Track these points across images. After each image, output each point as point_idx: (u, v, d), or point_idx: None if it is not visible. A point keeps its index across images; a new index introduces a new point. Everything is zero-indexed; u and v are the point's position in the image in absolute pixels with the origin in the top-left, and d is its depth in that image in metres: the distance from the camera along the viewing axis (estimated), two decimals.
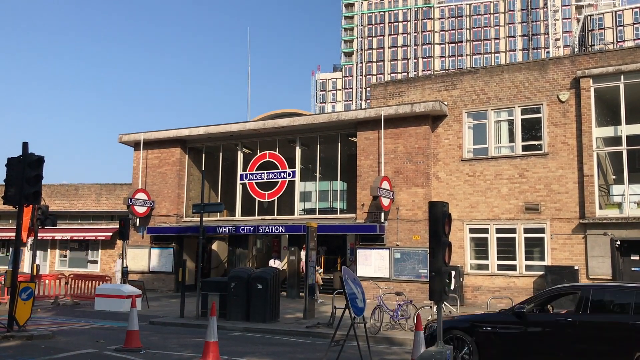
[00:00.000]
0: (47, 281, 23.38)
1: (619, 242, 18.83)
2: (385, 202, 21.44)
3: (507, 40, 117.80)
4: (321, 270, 24.55)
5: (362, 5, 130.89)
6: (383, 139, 22.63)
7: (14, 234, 14.17)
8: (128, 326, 11.58)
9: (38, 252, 27.56)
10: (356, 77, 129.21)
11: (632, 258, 18.89)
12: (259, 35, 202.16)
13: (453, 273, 17.22)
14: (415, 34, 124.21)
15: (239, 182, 26.83)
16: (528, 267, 20.32)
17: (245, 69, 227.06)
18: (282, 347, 12.56)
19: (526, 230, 20.49)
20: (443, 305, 10.22)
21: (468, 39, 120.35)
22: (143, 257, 27.23)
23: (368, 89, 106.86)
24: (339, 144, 24.80)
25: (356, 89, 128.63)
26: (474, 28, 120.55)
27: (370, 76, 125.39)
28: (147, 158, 28.23)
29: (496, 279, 20.67)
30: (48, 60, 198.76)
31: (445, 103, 22.24)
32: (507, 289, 20.06)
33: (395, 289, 18.15)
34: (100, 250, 31.63)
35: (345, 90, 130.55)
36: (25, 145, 13.38)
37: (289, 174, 25.55)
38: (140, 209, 26.93)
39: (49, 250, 32.77)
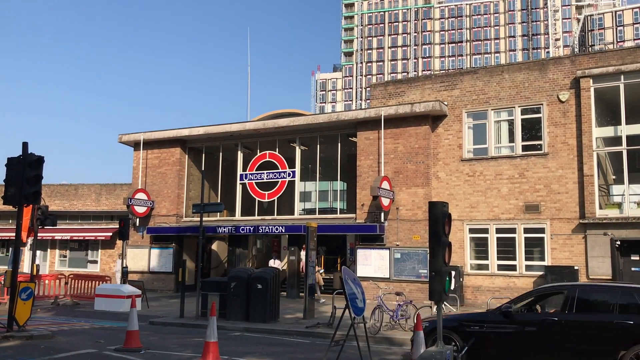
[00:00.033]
0: (47, 281, 23.38)
1: (619, 242, 18.82)
2: (385, 202, 21.43)
3: (507, 40, 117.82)
4: (322, 271, 24.51)
5: (362, 5, 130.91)
6: (383, 139, 22.62)
7: (14, 234, 14.16)
8: (128, 326, 11.57)
9: (38, 252, 27.54)
10: (356, 77, 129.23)
11: (632, 258, 18.89)
12: (259, 35, 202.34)
13: (453, 273, 17.24)
14: (415, 34, 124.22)
15: (238, 182, 26.83)
16: (528, 267, 20.32)
17: (245, 68, 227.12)
18: (282, 347, 12.56)
19: (526, 230, 20.48)
20: (443, 306, 10.22)
21: (468, 39, 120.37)
22: (143, 257, 27.22)
23: (368, 89, 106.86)
24: (339, 144, 24.79)
25: (356, 89, 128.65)
26: (474, 28, 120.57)
27: (370, 76, 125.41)
28: (147, 158, 28.23)
29: (496, 279, 20.66)
30: (48, 60, 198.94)
31: (445, 103, 22.24)
32: (507, 289, 20.05)
33: (395, 289, 18.14)
34: (100, 250, 31.63)
35: (345, 90, 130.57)
36: (25, 145, 13.38)
37: (289, 174, 25.55)
38: (140, 209, 26.92)
39: (48, 250, 32.77)
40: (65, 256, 32.68)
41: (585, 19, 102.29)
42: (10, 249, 31.75)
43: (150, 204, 27.34)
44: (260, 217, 26.07)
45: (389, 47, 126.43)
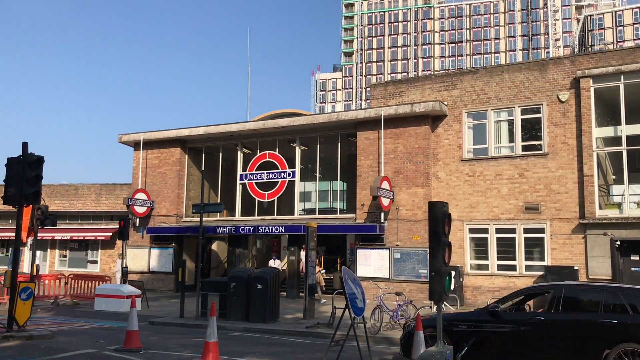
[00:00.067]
0: (46, 281, 23.38)
1: (618, 242, 18.82)
2: (385, 202, 21.43)
3: (507, 41, 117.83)
4: (324, 271, 24.49)
5: (362, 5, 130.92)
6: (383, 139, 22.62)
7: (14, 234, 14.15)
8: (128, 326, 11.57)
9: (38, 252, 27.53)
10: (356, 77, 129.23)
11: (632, 258, 18.89)
12: (259, 35, 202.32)
13: (453, 273, 17.22)
14: (415, 34, 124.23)
15: (238, 182, 26.83)
16: (528, 267, 20.32)
17: (245, 68, 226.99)
18: (282, 347, 12.56)
19: (526, 231, 20.48)
20: (443, 306, 10.23)
21: (468, 39, 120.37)
22: (143, 257, 27.22)
23: (368, 89, 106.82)
24: (339, 144, 24.79)
25: (356, 89, 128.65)
26: (474, 28, 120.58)
27: (370, 76, 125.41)
28: (147, 158, 28.23)
29: (496, 279, 20.66)
30: (48, 59, 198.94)
31: (445, 103, 22.24)
32: (507, 289, 19.98)
33: (395, 289, 18.14)
34: (100, 250, 31.63)
35: (345, 90, 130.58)
36: (25, 145, 13.38)
37: (289, 174, 25.55)
38: (140, 209, 26.92)
39: (48, 250, 32.77)
40: (65, 256, 32.67)
41: (585, 19, 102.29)
42: (10, 249, 31.74)
43: (150, 204, 27.34)
44: (260, 217, 26.06)
45: (389, 47, 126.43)
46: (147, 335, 13.29)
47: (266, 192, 26.03)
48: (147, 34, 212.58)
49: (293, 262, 24.00)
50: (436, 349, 8.22)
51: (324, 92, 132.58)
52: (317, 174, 27.60)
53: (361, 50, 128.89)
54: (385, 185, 21.49)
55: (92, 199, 33.07)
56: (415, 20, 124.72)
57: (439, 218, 8.30)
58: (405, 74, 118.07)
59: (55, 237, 31.56)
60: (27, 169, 13.14)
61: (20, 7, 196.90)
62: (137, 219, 27.11)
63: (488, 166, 21.36)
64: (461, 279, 20.75)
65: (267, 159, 26.30)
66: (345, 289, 10.09)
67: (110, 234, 29.85)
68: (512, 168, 20.94)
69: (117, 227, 22.31)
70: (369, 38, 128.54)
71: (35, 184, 13.26)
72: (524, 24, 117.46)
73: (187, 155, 28.03)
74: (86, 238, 30.99)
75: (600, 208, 19.49)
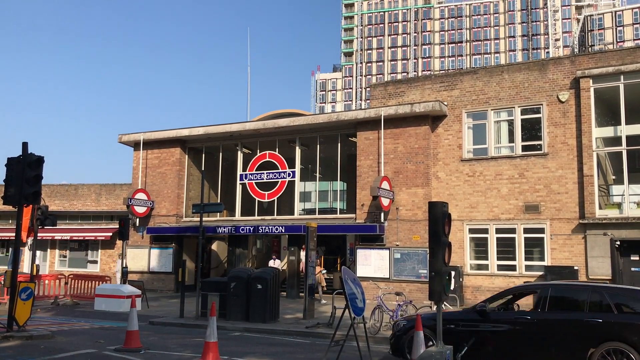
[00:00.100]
0: (46, 281, 23.38)
1: (618, 242, 18.83)
2: (385, 202, 21.44)
3: (507, 41, 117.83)
4: (325, 271, 24.49)
5: (362, 5, 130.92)
6: (383, 139, 22.63)
7: (14, 234, 14.16)
8: (128, 326, 11.57)
9: (38, 252, 27.53)
10: (356, 77, 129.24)
11: (632, 258, 18.90)
12: (259, 35, 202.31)
13: (453, 273, 17.23)
14: (415, 34, 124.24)
15: (238, 182, 26.83)
16: (528, 267, 20.32)
17: (245, 68, 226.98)
18: (282, 347, 12.57)
19: (526, 231, 20.49)
20: (442, 306, 10.23)
21: (468, 39, 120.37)
22: (143, 257, 27.23)
23: (368, 89, 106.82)
24: (339, 144, 24.80)
25: (356, 89, 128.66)
26: (474, 28, 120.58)
27: (370, 76, 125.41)
28: (146, 158, 28.23)
29: (496, 279, 20.66)
30: (48, 60, 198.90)
31: (445, 103, 22.24)
32: None
33: (395, 289, 18.14)
34: (100, 251, 31.63)
35: (345, 90, 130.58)
36: (25, 145, 13.38)
37: (289, 174, 25.55)
38: (140, 209, 26.92)
39: (48, 250, 32.77)
40: (65, 256, 32.67)
41: (585, 19, 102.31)
42: (10, 249, 31.73)
43: (150, 204, 27.34)
44: (260, 217, 26.07)
45: (389, 47, 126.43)
46: (147, 335, 13.29)
47: (266, 192, 26.04)
48: (147, 34, 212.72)
49: (293, 262, 24.01)
50: (436, 349, 8.22)
51: (324, 92, 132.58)
52: (317, 174, 27.61)
53: (361, 50, 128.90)
54: (385, 185, 21.49)
55: (92, 199, 33.07)
56: (415, 20, 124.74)
57: (439, 218, 8.30)
58: (405, 74, 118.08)
59: (55, 237, 31.57)
60: (27, 169, 13.14)
61: (20, 7, 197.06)
62: (137, 219, 27.11)
63: (488, 166, 21.36)
64: (461, 279, 20.76)
65: (267, 159, 26.31)
66: (345, 289, 10.09)
67: (110, 234, 29.85)
68: (512, 168, 20.94)
69: (117, 227, 22.31)
70: (368, 38, 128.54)
71: (35, 184, 13.26)
72: (524, 24, 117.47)
73: (187, 155, 28.04)
74: (86, 238, 31.00)
75: (600, 208, 19.50)
